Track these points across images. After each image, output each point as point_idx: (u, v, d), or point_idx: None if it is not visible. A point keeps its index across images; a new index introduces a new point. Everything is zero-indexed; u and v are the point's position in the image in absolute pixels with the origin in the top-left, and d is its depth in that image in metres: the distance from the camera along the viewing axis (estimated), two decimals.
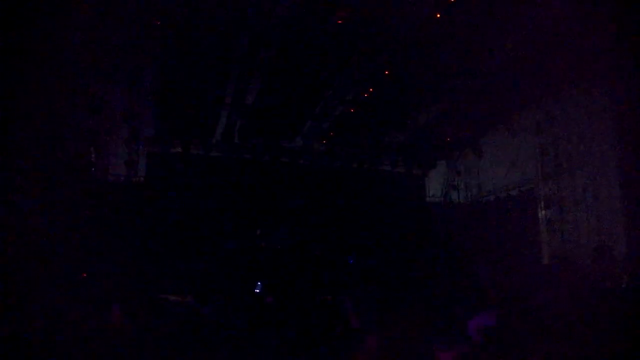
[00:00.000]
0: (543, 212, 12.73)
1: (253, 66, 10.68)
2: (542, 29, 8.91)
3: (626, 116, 9.71)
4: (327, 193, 13.52)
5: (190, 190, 12.33)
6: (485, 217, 13.31)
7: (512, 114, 11.92)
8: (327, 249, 12.09)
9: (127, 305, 5.33)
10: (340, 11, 9.34)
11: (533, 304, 3.50)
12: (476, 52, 9.93)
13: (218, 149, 12.85)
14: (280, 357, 3.60)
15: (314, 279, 10.32)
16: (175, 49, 10.10)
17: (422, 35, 9.55)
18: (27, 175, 8.04)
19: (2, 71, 6.87)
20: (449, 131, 13.08)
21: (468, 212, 13.81)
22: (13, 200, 7.36)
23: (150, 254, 11.32)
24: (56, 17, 8.73)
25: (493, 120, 12.32)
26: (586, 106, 10.80)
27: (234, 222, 12.32)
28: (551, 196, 12.28)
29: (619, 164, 10.17)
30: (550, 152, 11.73)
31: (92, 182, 11.45)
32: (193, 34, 9.74)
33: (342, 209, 13.34)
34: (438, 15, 9.23)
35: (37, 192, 8.27)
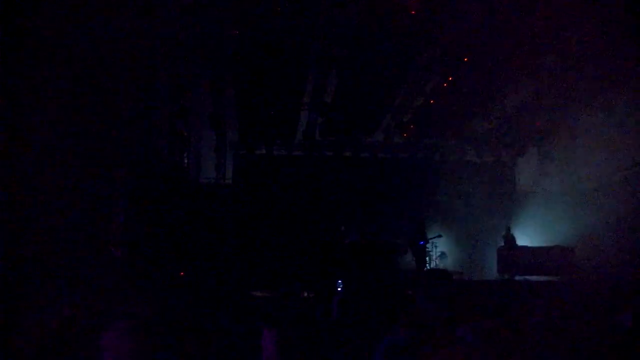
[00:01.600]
0: None
1: (329, 64, 10.79)
2: None
3: None
4: (412, 186, 13.33)
5: (275, 189, 12.76)
6: (584, 205, 12.33)
7: (608, 90, 10.88)
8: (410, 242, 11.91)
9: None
10: (413, 1, 9.17)
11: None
12: (563, 27, 9.25)
13: (300, 148, 13.14)
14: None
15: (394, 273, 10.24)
16: (254, 54, 10.45)
17: (499, 15, 9.07)
18: (124, 182, 8.71)
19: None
20: (539, 115, 12.28)
21: (563, 201, 12.87)
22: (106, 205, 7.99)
23: (240, 252, 11.91)
24: (149, 31, 9.40)
25: (587, 99, 11.34)
26: None
27: (318, 219, 12.56)
28: None
29: None
30: None
31: (186, 185, 12.23)
32: (269, 38, 10.02)
33: (429, 202, 13.08)
34: None
35: (131, 198, 8.93)
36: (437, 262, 12.25)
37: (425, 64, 10.78)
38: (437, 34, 9.89)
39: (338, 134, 12.93)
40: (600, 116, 11.56)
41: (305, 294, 8.59)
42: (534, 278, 10.43)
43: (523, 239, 12.06)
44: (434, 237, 11.73)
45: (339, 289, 8.57)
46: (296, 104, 11.97)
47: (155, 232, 10.27)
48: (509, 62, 10.32)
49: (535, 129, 12.81)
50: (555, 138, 13.20)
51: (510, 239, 11.82)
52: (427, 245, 11.52)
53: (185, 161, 12.46)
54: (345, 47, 10.32)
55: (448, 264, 12.47)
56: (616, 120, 11.22)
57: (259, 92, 11.33)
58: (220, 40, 10.42)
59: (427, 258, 11.72)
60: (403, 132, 13.10)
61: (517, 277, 10.58)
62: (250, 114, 12.20)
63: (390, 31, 9.78)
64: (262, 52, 10.35)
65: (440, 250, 12.52)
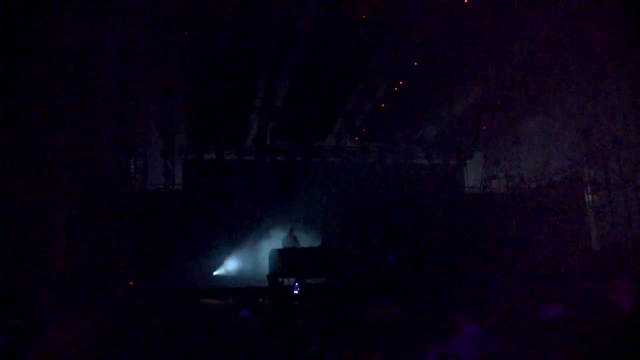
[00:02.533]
0: (590, 197, 12.21)
1: (280, 68, 10.71)
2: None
3: None
4: (363, 190, 13.38)
5: (226, 195, 12.49)
6: (528, 205, 12.84)
7: (550, 97, 11.43)
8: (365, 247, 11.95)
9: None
10: (363, 6, 9.25)
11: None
12: (508, 37, 9.62)
13: (251, 153, 12.94)
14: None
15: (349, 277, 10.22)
16: (203, 57, 10.22)
17: (449, 23, 9.32)
18: (65, 190, 8.28)
19: (24, 83, 7.06)
20: (485, 119, 12.70)
21: (508, 201, 13.35)
22: (48, 213, 7.58)
23: (192, 260, 11.55)
24: (92, 33, 9.02)
25: (530, 106, 11.85)
26: (627, 83, 10.27)
27: (271, 225, 12.39)
28: (598, 180, 11.76)
29: None
30: (594, 134, 11.22)
31: (132, 192, 11.75)
32: (219, 42, 9.83)
33: (380, 206, 13.19)
34: (466, 1, 9.00)
35: (74, 207, 8.51)
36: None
37: (376, 69, 10.91)
38: (388, 39, 10.04)
39: (290, 139, 12.84)
40: (542, 120, 12.12)
41: (261, 300, 8.42)
42: None
43: None
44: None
45: (297, 291, 8.45)
46: (247, 108, 11.78)
47: (100, 242, 9.82)
48: (457, 68, 10.61)
49: (481, 132, 13.23)
50: (499, 141, 13.71)
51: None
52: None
53: (132, 167, 11.98)
54: (296, 51, 10.29)
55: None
56: (557, 124, 11.80)
57: (209, 95, 11.07)
58: (169, 43, 10.14)
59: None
60: (354, 136, 13.20)
61: None
62: (199, 118, 11.90)
63: (341, 35, 9.83)
64: (212, 55, 10.13)
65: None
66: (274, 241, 11.55)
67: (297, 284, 8.63)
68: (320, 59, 10.43)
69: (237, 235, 12.27)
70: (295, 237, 11.28)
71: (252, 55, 10.29)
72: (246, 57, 10.27)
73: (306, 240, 11.60)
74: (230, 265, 12.23)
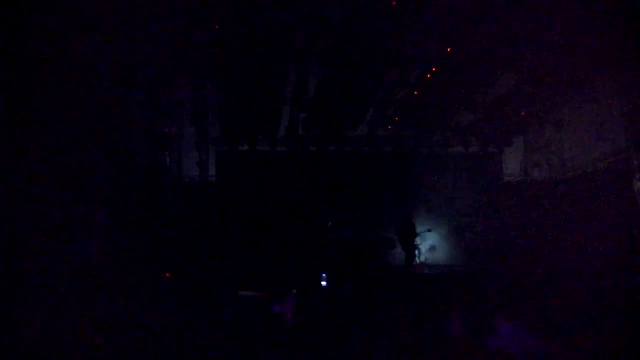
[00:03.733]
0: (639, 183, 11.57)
1: (311, 58, 10.59)
2: None
3: None
4: (397, 180, 13.21)
5: (260, 186, 12.57)
6: (572, 194, 12.31)
7: (593, 78, 10.84)
8: (399, 236, 11.79)
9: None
10: None
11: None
12: (545, 16, 9.13)
13: (283, 144, 12.94)
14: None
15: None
16: (234, 49, 10.23)
17: (482, 8, 8.94)
18: (106, 182, 8.48)
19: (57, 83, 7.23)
20: (524, 105, 12.19)
21: (551, 190, 12.84)
22: (86, 207, 7.78)
23: (227, 251, 11.70)
24: (129, 29, 9.17)
25: (571, 88, 11.29)
26: None
27: (305, 216, 12.40)
28: None
29: None
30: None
31: (168, 184, 11.99)
32: (250, 33, 9.81)
33: (414, 196, 12.98)
34: None
35: (112, 200, 8.71)
36: (427, 257, 12.15)
37: (408, 55, 10.63)
38: (419, 25, 9.74)
39: (322, 129, 12.75)
40: (585, 105, 11.54)
41: (294, 292, 8.46)
42: None
43: None
44: (424, 232, 11.65)
45: (324, 283, 8.43)
46: (279, 99, 11.75)
47: (138, 234, 10.07)
48: (492, 53, 10.20)
49: (520, 119, 12.74)
50: (540, 128, 13.17)
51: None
52: (417, 239, 11.41)
53: (167, 160, 12.22)
54: (326, 41, 10.14)
55: (439, 257, 12.42)
56: (600, 109, 11.20)
57: (241, 87, 11.11)
58: (200, 36, 10.19)
59: (417, 252, 11.61)
60: (387, 125, 12.97)
61: None
62: (232, 110, 11.97)
63: (371, 22, 9.62)
64: (243, 47, 10.12)
65: (430, 244, 12.44)
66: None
67: (324, 275, 8.60)
68: (351, 47, 10.24)
69: (268, 227, 12.34)
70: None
71: (283, 45, 10.22)
72: (277, 47, 10.21)
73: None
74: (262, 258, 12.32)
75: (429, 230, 11.82)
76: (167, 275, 10.12)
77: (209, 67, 10.98)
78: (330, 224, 11.63)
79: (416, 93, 11.77)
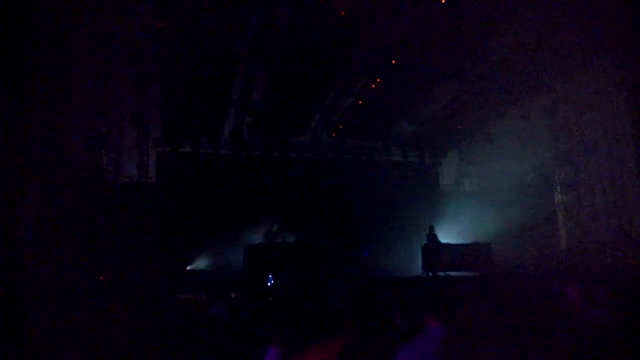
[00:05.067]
0: (560, 196, 12.52)
1: (258, 62, 10.63)
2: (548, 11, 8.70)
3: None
4: (338, 186, 13.45)
5: (201, 189, 12.38)
6: (499, 204, 13.11)
7: (523, 98, 11.67)
8: (341, 242, 12.04)
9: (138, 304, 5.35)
10: (342, 2, 9.25)
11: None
12: (483, 37, 9.75)
13: (227, 147, 12.83)
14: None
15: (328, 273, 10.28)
16: (180, 49, 10.07)
17: (427, 22, 9.40)
18: (36, 181, 8.07)
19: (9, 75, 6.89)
20: (460, 119, 12.87)
21: (480, 200, 13.62)
22: (21, 206, 7.38)
23: (165, 254, 11.41)
24: (64, 24, 8.79)
25: (504, 106, 12.08)
26: (597, 86, 10.54)
27: (246, 219, 12.33)
28: (568, 181, 12.07)
29: (635, 144, 9.92)
30: (563, 136, 11.50)
31: (103, 184, 11.54)
32: (197, 34, 9.70)
33: (355, 202, 13.29)
34: (443, 1, 9.09)
35: (44, 197, 8.30)
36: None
37: (354, 65, 10.93)
38: (366, 36, 10.06)
39: (266, 133, 12.78)
40: (515, 122, 12.38)
41: (233, 295, 8.41)
42: (454, 274, 10.93)
43: (445, 237, 12.54)
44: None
45: (270, 283, 8.46)
46: (224, 101, 11.66)
47: (71, 236, 9.61)
48: (434, 66, 10.71)
49: (457, 131, 13.42)
50: (474, 141, 13.95)
51: (433, 237, 12.22)
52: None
53: (104, 159, 11.76)
54: (274, 46, 10.23)
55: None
56: (528, 126, 12.07)
57: (185, 88, 10.91)
58: (144, 34, 9.96)
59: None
60: (331, 132, 13.23)
61: (439, 274, 10.98)
62: (175, 110, 11.72)
63: (320, 31, 9.81)
64: (189, 47, 9.98)
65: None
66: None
67: (270, 276, 8.63)
68: (298, 54, 10.37)
69: (211, 229, 12.19)
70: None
71: (230, 48, 10.18)
72: (224, 50, 10.15)
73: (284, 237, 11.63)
74: (203, 260, 12.15)
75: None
76: (101, 277, 9.74)
77: (152, 66, 10.74)
78: (275, 227, 11.67)
79: (360, 102, 12.11)
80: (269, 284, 8.47)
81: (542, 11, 8.91)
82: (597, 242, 10.76)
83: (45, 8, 7.99)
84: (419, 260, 11.80)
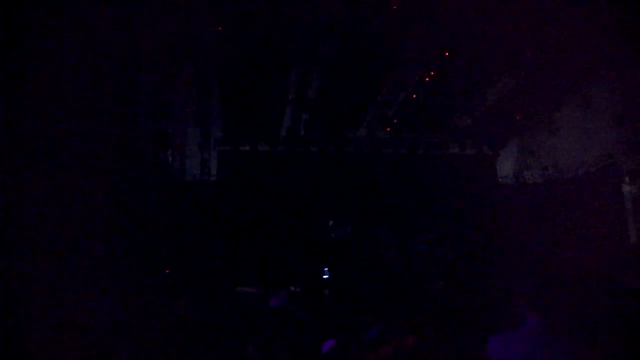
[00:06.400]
0: (628, 187, 11.91)
1: (312, 59, 10.83)
2: None
3: None
4: (395, 180, 13.47)
5: (261, 185, 12.79)
6: (563, 196, 12.64)
7: (587, 83, 11.16)
8: (397, 238, 12.07)
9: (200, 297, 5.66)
10: None
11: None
12: (541, 23, 9.43)
13: (284, 144, 13.18)
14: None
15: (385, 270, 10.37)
16: (235, 51, 10.44)
17: (481, 13, 9.22)
18: (105, 184, 8.62)
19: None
20: (519, 108, 12.50)
21: (543, 192, 13.17)
22: (88, 208, 7.90)
23: (227, 249, 11.92)
24: (124, 28, 9.32)
25: (566, 93, 11.61)
26: None
27: (305, 214, 12.63)
28: (636, 170, 11.46)
29: None
30: (629, 123, 10.91)
31: (171, 183, 12.18)
32: (251, 34, 10.01)
33: (411, 196, 13.27)
34: None
35: (114, 201, 8.84)
36: None
37: (407, 58, 10.90)
38: (419, 28, 10.00)
39: (322, 130, 13.00)
40: (578, 110, 11.86)
41: (293, 288, 8.67)
42: None
43: None
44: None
45: (326, 277, 8.65)
46: (281, 100, 11.99)
47: (140, 231, 10.22)
48: (490, 56, 10.48)
49: (515, 122, 13.05)
50: (534, 131, 13.50)
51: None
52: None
53: (170, 159, 12.42)
54: (327, 42, 10.38)
55: None
56: (593, 115, 11.53)
57: (243, 88, 11.31)
58: (203, 37, 10.38)
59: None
60: (386, 127, 13.24)
61: None
62: (234, 110, 12.19)
63: (372, 25, 9.86)
64: (245, 48, 10.33)
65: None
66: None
67: (326, 269, 8.82)
68: (351, 49, 10.48)
69: (269, 224, 12.56)
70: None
71: (284, 47, 10.43)
72: (278, 49, 10.42)
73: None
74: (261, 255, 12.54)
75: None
76: (167, 271, 10.32)
77: (212, 67, 11.18)
78: (331, 222, 11.89)
79: (414, 95, 12.05)
80: (324, 277, 8.68)
81: None
82: None
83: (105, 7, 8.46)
84: None
